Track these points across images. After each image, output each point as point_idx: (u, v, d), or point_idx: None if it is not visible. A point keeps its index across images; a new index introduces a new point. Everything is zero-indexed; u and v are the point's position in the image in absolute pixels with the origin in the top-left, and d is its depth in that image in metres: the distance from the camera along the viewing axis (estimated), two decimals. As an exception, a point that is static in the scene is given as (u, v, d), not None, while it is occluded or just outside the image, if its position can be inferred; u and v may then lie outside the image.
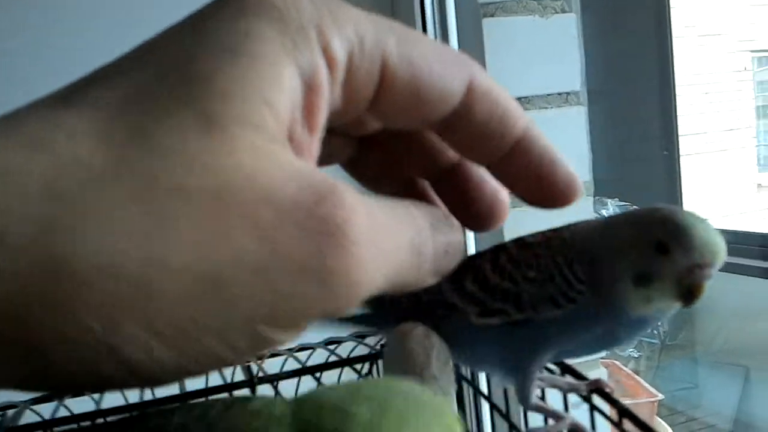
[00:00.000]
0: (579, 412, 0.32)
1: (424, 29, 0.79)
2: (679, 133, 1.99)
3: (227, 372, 0.42)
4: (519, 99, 0.83)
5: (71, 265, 0.13)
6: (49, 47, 0.73)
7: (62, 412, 0.41)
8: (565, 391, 0.33)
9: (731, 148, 2.85)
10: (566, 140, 0.82)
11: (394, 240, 0.17)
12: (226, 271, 0.14)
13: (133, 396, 0.42)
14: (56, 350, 0.14)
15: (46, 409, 0.41)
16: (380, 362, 0.42)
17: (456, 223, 0.21)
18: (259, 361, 0.42)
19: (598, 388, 0.32)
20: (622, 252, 0.28)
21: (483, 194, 0.22)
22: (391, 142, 0.22)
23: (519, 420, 0.36)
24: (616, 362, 1.57)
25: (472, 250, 0.82)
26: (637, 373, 1.69)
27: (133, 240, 0.14)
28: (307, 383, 0.41)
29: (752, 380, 1.94)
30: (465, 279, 0.31)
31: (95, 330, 0.14)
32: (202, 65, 0.15)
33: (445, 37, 0.80)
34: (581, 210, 0.86)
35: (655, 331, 1.98)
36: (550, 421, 0.31)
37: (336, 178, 0.16)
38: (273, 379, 0.38)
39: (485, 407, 0.41)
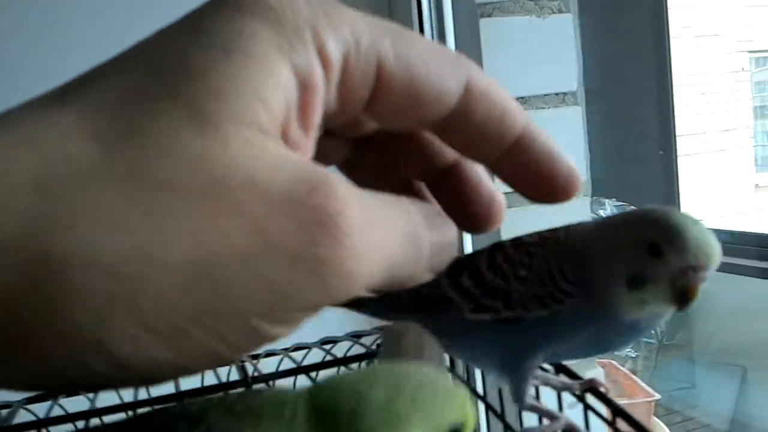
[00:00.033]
0: (574, 412, 0.32)
1: (421, 29, 0.79)
2: (677, 133, 1.99)
3: (223, 372, 0.42)
4: (516, 99, 0.83)
5: (60, 260, 0.13)
6: (48, 47, 0.73)
7: (57, 411, 0.41)
8: (558, 389, 0.33)
9: (729, 149, 2.85)
10: (563, 140, 0.81)
11: (388, 232, 0.17)
12: (218, 264, 0.14)
13: (127, 395, 0.42)
14: (46, 348, 0.14)
15: (41, 409, 0.41)
16: (376, 362, 0.42)
17: (449, 220, 0.21)
18: (254, 361, 0.42)
19: (592, 387, 0.32)
20: (615, 254, 0.28)
21: (479, 196, 0.22)
22: (388, 143, 0.22)
23: (514, 420, 0.36)
24: (613, 362, 1.57)
25: (469, 249, 0.82)
26: (634, 372, 1.69)
27: (123, 235, 0.14)
28: (303, 383, 0.41)
29: (749, 380, 1.94)
30: (462, 274, 0.31)
31: (85, 326, 0.14)
32: (196, 63, 0.15)
33: (442, 37, 0.80)
34: (578, 210, 0.85)
35: (653, 332, 1.98)
36: (545, 421, 0.31)
37: None
38: (267, 379, 0.38)
39: (480, 407, 0.42)
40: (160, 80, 0.15)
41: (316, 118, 0.17)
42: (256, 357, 0.42)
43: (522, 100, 0.80)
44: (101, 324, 0.14)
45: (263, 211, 0.15)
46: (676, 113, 1.97)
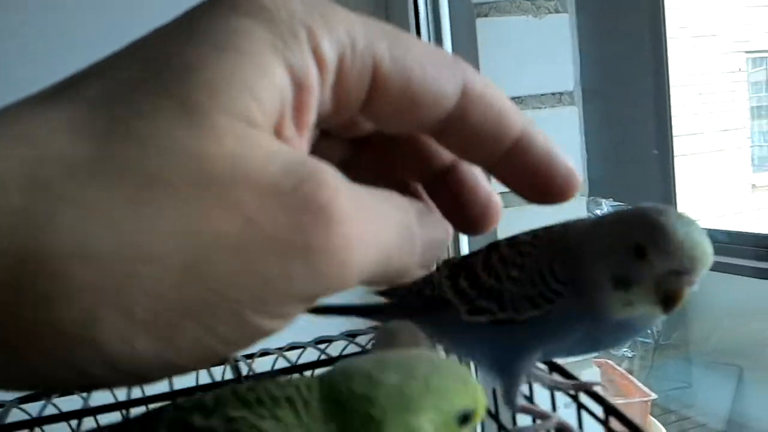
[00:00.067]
0: (569, 412, 0.32)
1: (418, 29, 0.79)
2: (674, 133, 1.99)
3: (217, 372, 0.42)
4: (512, 99, 0.82)
5: (49, 255, 0.13)
6: (47, 47, 0.73)
7: (51, 410, 0.41)
8: (550, 388, 0.33)
9: (726, 149, 2.86)
10: (559, 140, 0.81)
11: (382, 223, 0.17)
12: (210, 257, 0.14)
13: (121, 394, 0.42)
14: (36, 348, 0.14)
15: (35, 408, 0.41)
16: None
17: (440, 218, 0.21)
18: (249, 360, 0.42)
19: (585, 388, 0.32)
20: (603, 253, 0.28)
21: (476, 197, 0.22)
22: (384, 144, 0.22)
23: (508, 420, 0.36)
24: (610, 362, 1.57)
25: (466, 249, 0.82)
26: (630, 372, 1.69)
27: (113, 230, 0.14)
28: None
29: (746, 380, 1.94)
30: (460, 275, 0.31)
31: (76, 324, 0.14)
32: (189, 59, 0.15)
33: (438, 36, 0.80)
34: (575, 210, 0.85)
35: (649, 331, 1.98)
36: (538, 421, 0.31)
37: None
38: (260, 378, 0.38)
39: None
40: (153, 77, 0.15)
41: (311, 117, 0.17)
42: (250, 356, 0.42)
43: (518, 99, 0.80)
44: (92, 322, 0.14)
45: (254, 203, 0.15)
46: (673, 113, 1.97)
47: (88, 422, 0.41)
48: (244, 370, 0.40)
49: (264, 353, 0.43)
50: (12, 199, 0.13)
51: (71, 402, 0.40)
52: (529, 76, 0.80)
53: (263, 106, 0.15)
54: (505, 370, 0.30)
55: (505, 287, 0.29)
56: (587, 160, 0.98)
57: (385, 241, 0.17)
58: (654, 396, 1.50)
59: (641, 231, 0.26)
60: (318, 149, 0.19)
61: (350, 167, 0.23)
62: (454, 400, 0.18)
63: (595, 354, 0.31)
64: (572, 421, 0.31)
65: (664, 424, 1.58)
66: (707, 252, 0.26)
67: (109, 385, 0.16)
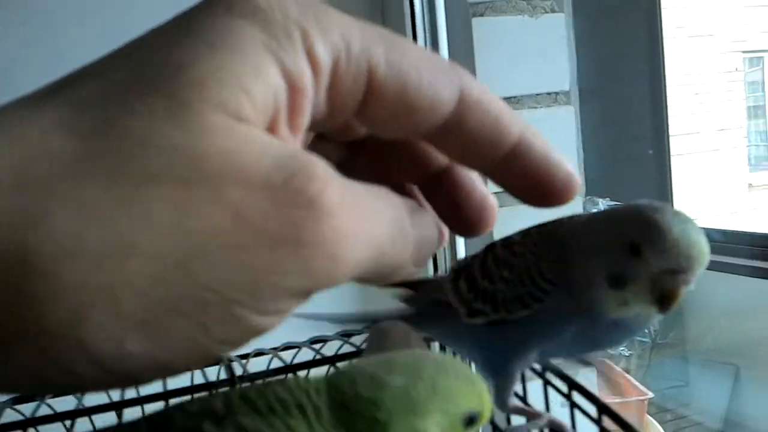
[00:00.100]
0: (564, 411, 0.32)
1: (414, 29, 0.79)
2: (671, 133, 1.99)
3: (212, 372, 0.42)
4: (508, 99, 0.83)
5: (37, 253, 0.13)
6: (45, 47, 0.73)
7: (45, 411, 0.41)
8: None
9: (722, 148, 2.86)
10: (555, 140, 0.82)
11: (375, 218, 0.17)
12: (200, 253, 0.14)
13: (115, 394, 0.42)
14: (25, 346, 0.14)
15: (29, 409, 0.41)
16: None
17: (432, 217, 0.21)
18: (243, 361, 0.42)
19: (578, 385, 0.32)
20: (597, 251, 0.27)
21: (472, 200, 0.22)
22: (380, 147, 0.22)
23: (502, 420, 0.36)
24: (607, 361, 1.57)
25: (462, 250, 0.82)
26: (627, 371, 1.70)
27: (102, 227, 0.14)
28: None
29: (742, 379, 1.95)
30: (460, 278, 0.31)
31: (61, 322, 0.14)
32: (181, 58, 0.15)
33: (434, 36, 0.80)
34: (571, 210, 0.85)
35: (646, 330, 1.98)
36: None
37: None
38: (255, 378, 0.38)
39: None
40: (146, 77, 0.15)
41: (305, 119, 0.17)
42: (245, 356, 0.42)
43: (514, 99, 0.80)
44: (79, 321, 0.14)
45: (244, 197, 0.15)
46: (669, 113, 1.97)
47: (83, 422, 0.41)
48: (239, 371, 0.40)
49: (259, 353, 0.43)
50: (1, 199, 0.13)
51: (65, 402, 0.40)
52: (525, 75, 0.80)
53: (255, 103, 0.15)
54: (498, 370, 0.30)
55: (498, 288, 0.29)
56: (584, 160, 0.98)
57: (377, 236, 0.17)
58: (651, 395, 1.50)
59: (636, 228, 0.26)
60: (313, 151, 0.19)
61: (346, 170, 0.23)
62: (460, 403, 0.17)
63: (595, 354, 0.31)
64: (566, 421, 0.31)
65: (660, 423, 1.58)
66: (704, 251, 0.26)
67: (102, 387, 0.16)
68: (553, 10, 0.82)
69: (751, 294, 1.91)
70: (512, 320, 0.29)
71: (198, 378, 0.39)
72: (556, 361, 0.33)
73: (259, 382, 0.38)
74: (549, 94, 0.82)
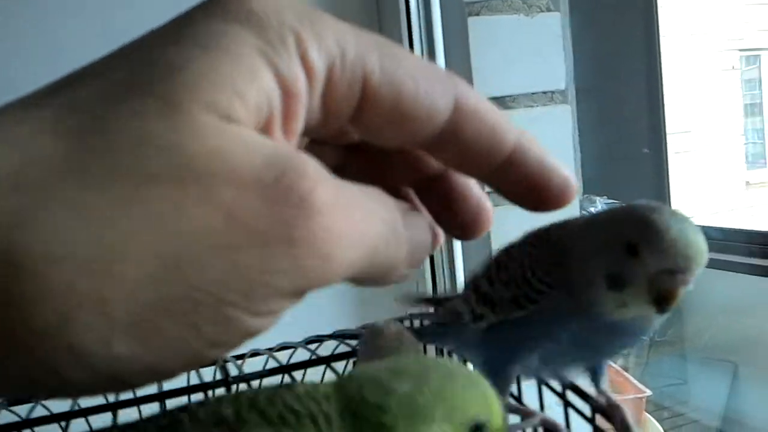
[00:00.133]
0: (558, 411, 0.32)
1: (409, 28, 0.79)
2: (668, 131, 1.99)
3: (208, 374, 0.42)
4: (504, 98, 0.83)
5: (24, 254, 0.13)
6: (43, 48, 0.72)
7: (41, 412, 0.41)
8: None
9: (720, 146, 2.86)
10: (551, 139, 0.82)
11: (367, 217, 0.17)
12: (191, 253, 0.14)
13: (111, 395, 0.42)
14: (12, 348, 0.14)
15: (25, 410, 0.41)
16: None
17: (428, 219, 0.21)
18: (239, 361, 0.42)
19: (573, 385, 0.32)
20: (595, 252, 0.27)
21: (467, 203, 0.22)
22: (376, 150, 0.22)
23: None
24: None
25: (459, 252, 0.82)
26: (625, 369, 1.70)
27: (89, 226, 0.14)
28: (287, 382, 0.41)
29: (740, 377, 1.95)
30: (470, 286, 0.31)
31: (49, 323, 0.13)
32: (175, 60, 0.15)
33: (429, 35, 0.80)
34: (568, 209, 0.85)
35: (645, 337, 1.98)
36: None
37: None
38: (250, 379, 0.38)
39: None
40: (139, 79, 0.15)
41: (299, 124, 0.17)
42: (241, 357, 0.42)
43: (510, 98, 0.80)
44: (66, 323, 0.14)
45: (235, 196, 0.15)
46: (667, 111, 1.97)
47: (80, 423, 0.41)
48: (235, 371, 0.40)
49: (254, 354, 0.43)
50: None
51: (61, 403, 0.40)
52: (520, 74, 0.80)
53: (247, 106, 0.15)
54: (495, 369, 0.31)
55: (496, 290, 0.30)
56: (581, 158, 0.98)
57: (370, 236, 0.17)
58: (649, 392, 1.50)
59: (633, 229, 0.26)
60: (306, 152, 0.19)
61: (342, 173, 0.23)
62: (467, 410, 0.17)
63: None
64: (560, 420, 0.31)
65: (659, 421, 1.58)
66: (702, 250, 0.25)
67: (92, 390, 0.15)
68: (548, 9, 0.82)
69: (750, 291, 1.92)
70: (509, 321, 0.29)
71: (194, 379, 0.39)
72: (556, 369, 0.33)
73: (256, 382, 0.39)
74: (545, 93, 0.82)
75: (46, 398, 0.38)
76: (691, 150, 2.69)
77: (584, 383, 0.32)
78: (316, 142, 0.21)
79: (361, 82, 0.18)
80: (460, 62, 0.79)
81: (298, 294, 0.16)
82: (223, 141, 0.15)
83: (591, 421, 0.30)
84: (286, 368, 0.40)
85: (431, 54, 0.80)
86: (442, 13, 0.81)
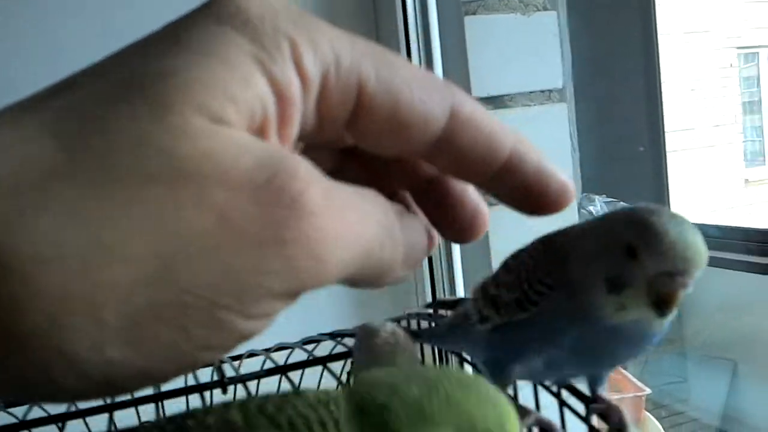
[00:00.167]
0: (553, 410, 0.32)
1: (406, 28, 0.79)
2: (666, 129, 2.00)
3: (206, 375, 0.42)
4: (501, 96, 0.83)
5: (15, 256, 0.13)
6: (46, 49, 0.72)
7: (38, 413, 0.41)
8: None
9: (718, 144, 2.87)
10: (548, 138, 0.82)
11: (361, 218, 0.17)
12: (183, 256, 0.14)
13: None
14: (3, 351, 0.14)
15: (22, 411, 0.41)
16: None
17: (424, 221, 0.21)
18: (236, 362, 0.42)
19: (568, 384, 0.32)
20: (594, 255, 0.27)
21: (464, 207, 0.22)
22: (373, 154, 0.22)
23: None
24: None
25: (457, 256, 0.82)
26: (624, 367, 1.70)
27: (81, 229, 0.14)
28: (284, 387, 0.41)
29: (740, 374, 1.95)
30: (478, 289, 0.32)
31: (41, 326, 0.13)
32: (167, 64, 0.15)
33: (426, 35, 0.80)
34: (567, 209, 0.85)
35: (649, 346, 1.98)
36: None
37: None
38: (247, 379, 0.38)
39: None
40: (130, 82, 0.15)
41: (293, 129, 0.17)
42: (237, 358, 0.42)
43: (507, 97, 0.80)
44: (56, 327, 0.14)
45: (227, 198, 0.15)
46: (665, 110, 1.97)
47: (77, 424, 0.41)
48: (232, 372, 0.40)
49: (251, 355, 0.43)
50: None
51: (58, 404, 0.40)
52: (517, 73, 0.80)
53: (240, 109, 0.15)
54: (495, 369, 0.31)
55: (501, 293, 0.30)
56: (580, 157, 0.98)
57: (364, 237, 0.17)
58: (648, 391, 1.50)
59: (632, 231, 0.26)
60: (299, 155, 0.19)
61: (338, 177, 0.23)
62: (475, 419, 0.17)
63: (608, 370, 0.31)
64: (555, 419, 0.31)
65: (658, 419, 1.59)
66: (701, 253, 0.25)
67: (87, 395, 0.15)
68: (545, 8, 0.82)
69: (748, 289, 1.92)
70: (513, 323, 0.29)
71: (190, 380, 0.39)
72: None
73: (252, 383, 0.39)
74: (542, 91, 0.82)
75: (40, 402, 0.38)
76: (690, 148, 2.69)
77: (581, 384, 0.32)
78: (312, 145, 0.21)
79: (357, 89, 0.18)
80: (456, 61, 0.80)
81: (291, 295, 0.16)
82: (215, 143, 0.15)
83: (586, 420, 0.30)
84: (283, 369, 0.40)
85: (428, 53, 0.80)
86: (439, 13, 0.81)
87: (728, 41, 2.88)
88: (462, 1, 0.78)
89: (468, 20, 0.78)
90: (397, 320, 0.44)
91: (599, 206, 1.68)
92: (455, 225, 0.22)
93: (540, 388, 0.34)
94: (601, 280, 0.27)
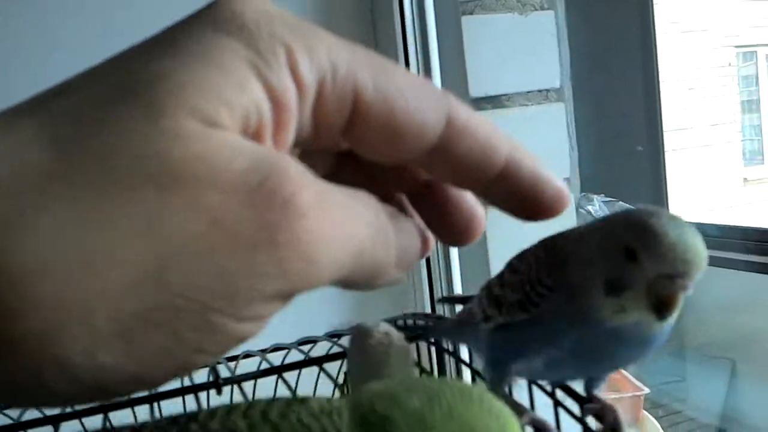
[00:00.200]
0: (548, 410, 0.32)
1: (403, 28, 0.79)
2: (665, 128, 2.00)
3: (202, 377, 0.42)
4: (499, 96, 0.83)
5: (9, 263, 0.13)
6: (45, 50, 0.72)
7: (34, 414, 0.41)
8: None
9: (717, 143, 2.87)
10: (546, 137, 0.82)
11: (353, 219, 0.17)
12: (175, 260, 0.14)
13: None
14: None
15: (17, 412, 0.41)
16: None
17: (419, 223, 0.21)
18: (232, 363, 0.42)
19: (563, 384, 0.32)
20: (594, 257, 0.27)
21: (460, 210, 0.22)
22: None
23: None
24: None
25: (456, 258, 0.82)
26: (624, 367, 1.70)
27: (73, 234, 0.13)
28: (280, 388, 0.41)
29: (738, 373, 1.95)
30: (483, 288, 0.32)
31: (34, 332, 0.13)
32: (162, 68, 0.15)
33: (423, 35, 0.80)
34: (565, 210, 0.85)
35: (651, 351, 1.98)
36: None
37: None
38: (242, 380, 0.38)
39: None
40: (126, 86, 0.15)
41: (289, 135, 0.17)
42: (234, 359, 0.42)
43: (505, 97, 0.80)
44: (49, 333, 0.14)
45: (220, 201, 0.15)
46: (663, 108, 1.97)
47: (73, 425, 0.41)
48: (227, 373, 0.40)
49: (247, 355, 0.43)
50: None
51: (54, 406, 0.40)
52: (515, 73, 0.80)
53: (234, 113, 0.15)
54: (495, 368, 0.31)
55: (505, 293, 0.30)
56: (578, 156, 0.98)
57: (356, 239, 0.17)
58: (647, 390, 1.50)
59: (631, 233, 0.26)
60: (295, 159, 0.19)
61: (333, 180, 0.23)
62: (477, 431, 0.17)
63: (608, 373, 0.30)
64: (550, 419, 0.31)
65: (657, 419, 1.59)
66: (701, 255, 0.25)
67: (80, 399, 0.15)
68: (542, 8, 0.82)
69: (747, 288, 1.92)
70: (514, 323, 0.29)
71: (186, 380, 0.39)
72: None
73: (248, 384, 0.39)
74: (540, 91, 0.82)
75: (33, 406, 0.38)
76: (688, 147, 2.69)
77: (576, 384, 0.32)
78: (309, 150, 0.21)
79: (353, 97, 0.18)
80: (454, 61, 0.80)
81: (284, 298, 0.16)
82: (208, 145, 0.15)
83: (581, 420, 0.30)
84: (279, 369, 0.40)
85: (425, 53, 0.80)
86: (436, 13, 0.81)
87: (727, 40, 2.89)
88: (459, 0, 0.78)
89: (465, 20, 0.78)
90: (394, 320, 0.44)
91: (598, 206, 1.68)
92: (452, 228, 0.22)
93: (535, 388, 0.34)
94: (601, 282, 0.26)
